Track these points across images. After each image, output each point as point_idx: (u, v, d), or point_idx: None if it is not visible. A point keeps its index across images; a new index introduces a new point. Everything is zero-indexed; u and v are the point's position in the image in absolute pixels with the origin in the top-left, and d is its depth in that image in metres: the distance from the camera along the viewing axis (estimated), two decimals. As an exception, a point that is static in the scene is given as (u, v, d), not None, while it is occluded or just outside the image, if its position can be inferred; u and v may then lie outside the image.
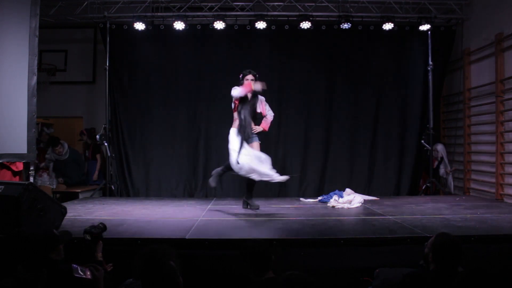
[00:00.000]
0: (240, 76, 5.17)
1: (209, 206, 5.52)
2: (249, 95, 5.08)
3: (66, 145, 7.07)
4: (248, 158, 4.81)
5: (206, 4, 7.01)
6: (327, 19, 6.99)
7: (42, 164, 6.98)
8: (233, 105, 5.09)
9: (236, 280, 2.92)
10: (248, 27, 7.06)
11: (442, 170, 7.13)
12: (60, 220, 3.83)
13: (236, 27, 7.08)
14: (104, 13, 6.86)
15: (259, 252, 2.58)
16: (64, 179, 6.99)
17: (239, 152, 4.82)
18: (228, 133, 5.15)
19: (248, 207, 5.21)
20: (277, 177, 4.84)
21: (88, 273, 2.38)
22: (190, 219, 4.56)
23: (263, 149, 6.89)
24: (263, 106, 5.27)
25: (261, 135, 6.47)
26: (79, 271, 2.33)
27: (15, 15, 5.38)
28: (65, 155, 7.02)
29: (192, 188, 7.08)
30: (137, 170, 7.10)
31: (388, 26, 6.73)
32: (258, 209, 5.12)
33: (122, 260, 3.26)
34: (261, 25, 6.73)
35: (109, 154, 6.74)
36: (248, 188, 5.25)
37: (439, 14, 6.93)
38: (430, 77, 6.87)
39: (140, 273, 2.13)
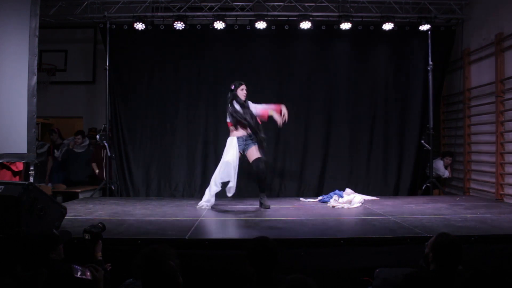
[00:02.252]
0: (232, 87, 5.31)
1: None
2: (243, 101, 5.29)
3: (87, 140, 7.27)
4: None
5: (206, 4, 7.01)
6: (327, 19, 6.99)
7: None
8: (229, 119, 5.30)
9: (236, 280, 2.91)
10: (248, 27, 7.06)
11: (442, 169, 7.17)
12: (60, 220, 3.83)
13: (236, 27, 7.07)
14: (104, 13, 6.86)
15: (268, 248, 2.52)
16: (70, 172, 7.02)
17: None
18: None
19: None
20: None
21: (88, 273, 2.38)
22: (190, 219, 4.56)
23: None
24: (256, 109, 5.36)
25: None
26: (79, 272, 2.33)
27: (15, 15, 5.37)
28: (82, 148, 7.13)
29: (192, 188, 7.08)
30: (137, 170, 7.09)
31: (388, 26, 6.73)
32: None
33: (122, 260, 3.27)
34: (261, 25, 6.73)
35: (109, 154, 6.75)
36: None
37: (439, 14, 6.92)
38: (430, 77, 6.87)
39: (140, 273, 2.13)
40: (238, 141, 5.22)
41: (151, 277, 2.04)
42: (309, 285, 2.00)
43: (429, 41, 6.84)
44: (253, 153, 5.28)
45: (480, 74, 6.69)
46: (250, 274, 2.52)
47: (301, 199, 6.20)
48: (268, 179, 7.04)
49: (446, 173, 7.18)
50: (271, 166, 7.08)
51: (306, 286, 2.00)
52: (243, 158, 5.35)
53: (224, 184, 5.30)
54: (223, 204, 5.64)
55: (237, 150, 5.19)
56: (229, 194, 5.25)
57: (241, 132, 5.26)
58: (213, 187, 5.28)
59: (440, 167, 7.13)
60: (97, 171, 7.08)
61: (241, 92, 5.26)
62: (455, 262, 2.38)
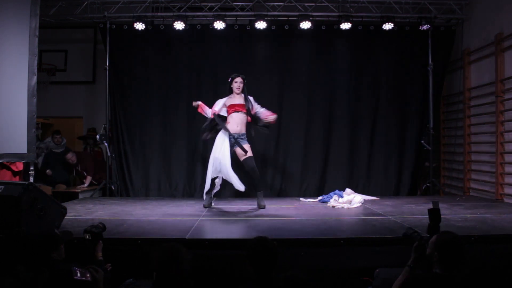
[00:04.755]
0: (229, 80, 5.38)
1: (209, 206, 5.51)
2: (238, 99, 5.33)
3: (64, 139, 7.18)
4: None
5: (206, 4, 7.00)
6: (327, 19, 6.99)
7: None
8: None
9: (236, 280, 2.90)
10: (248, 27, 7.06)
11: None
12: (60, 220, 3.83)
13: (236, 27, 7.07)
14: (104, 13, 6.86)
15: (268, 248, 2.49)
16: (52, 173, 6.94)
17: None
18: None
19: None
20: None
21: (88, 275, 2.38)
22: (190, 219, 4.56)
23: (263, 148, 6.96)
24: (253, 106, 5.42)
25: (261, 136, 6.48)
26: (79, 273, 2.33)
27: (15, 15, 5.37)
28: (62, 147, 7.06)
29: (192, 188, 7.08)
30: (137, 170, 7.09)
31: (388, 26, 6.73)
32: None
33: (122, 260, 3.27)
34: (261, 25, 6.72)
35: (109, 154, 6.75)
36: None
37: (439, 14, 6.92)
38: (430, 77, 6.87)
39: (156, 267, 2.17)
40: (229, 138, 5.21)
41: (167, 272, 2.07)
42: (303, 282, 2.00)
43: (429, 41, 6.84)
44: (243, 151, 5.25)
45: (480, 74, 6.69)
46: (250, 274, 2.51)
47: (301, 199, 6.20)
48: (269, 178, 7.06)
49: None
50: (272, 166, 7.09)
51: (300, 283, 2.00)
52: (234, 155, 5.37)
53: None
54: (223, 204, 5.65)
55: (228, 146, 5.17)
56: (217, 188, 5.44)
57: (233, 129, 5.24)
58: (206, 185, 5.36)
59: None
60: (85, 180, 6.98)
61: (235, 84, 5.33)
62: (460, 261, 2.32)
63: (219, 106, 5.36)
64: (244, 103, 5.32)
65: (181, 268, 2.14)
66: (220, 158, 5.09)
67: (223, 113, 5.39)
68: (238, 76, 5.34)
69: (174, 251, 2.21)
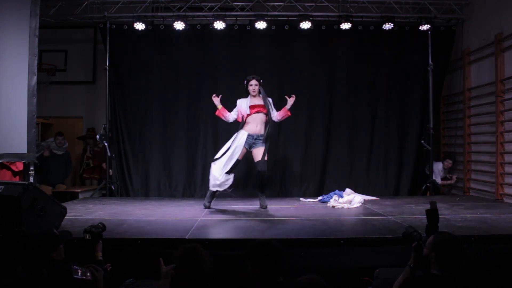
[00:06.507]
0: (245, 82, 5.39)
1: (209, 206, 5.51)
2: (257, 100, 5.36)
3: (66, 143, 7.22)
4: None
5: (206, 4, 7.01)
6: (327, 19, 6.99)
7: None
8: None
9: (237, 281, 2.90)
10: (248, 27, 7.06)
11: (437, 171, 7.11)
12: (60, 220, 3.83)
13: (236, 27, 7.07)
14: (104, 13, 6.86)
15: (270, 251, 2.39)
16: (50, 174, 6.96)
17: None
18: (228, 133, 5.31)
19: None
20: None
21: (88, 274, 2.38)
22: (190, 219, 4.56)
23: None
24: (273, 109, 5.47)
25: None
26: (79, 272, 2.33)
27: (15, 15, 5.38)
28: (63, 150, 7.11)
29: (192, 188, 7.08)
30: (137, 170, 7.09)
31: (388, 26, 6.73)
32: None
33: (122, 260, 3.27)
34: (261, 25, 6.72)
35: (109, 154, 6.75)
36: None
37: (439, 14, 6.93)
38: (430, 77, 6.87)
39: (179, 264, 2.21)
40: (247, 137, 5.23)
41: (186, 272, 2.14)
42: (321, 286, 1.98)
43: (429, 41, 6.84)
44: (259, 153, 5.26)
45: (480, 74, 6.69)
46: (254, 277, 2.45)
47: (301, 199, 6.21)
48: (269, 179, 7.06)
49: (438, 178, 7.03)
50: (272, 166, 7.09)
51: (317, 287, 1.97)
52: (248, 155, 5.35)
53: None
54: (223, 204, 5.65)
55: (243, 145, 5.20)
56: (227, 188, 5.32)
57: (252, 129, 5.26)
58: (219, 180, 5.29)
59: (435, 169, 7.01)
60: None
61: (250, 87, 5.35)
62: (458, 261, 2.29)
63: (245, 108, 5.33)
64: (264, 104, 5.34)
65: (200, 270, 2.14)
66: (234, 155, 5.17)
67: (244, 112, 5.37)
68: (253, 79, 5.35)
69: (194, 253, 2.22)
